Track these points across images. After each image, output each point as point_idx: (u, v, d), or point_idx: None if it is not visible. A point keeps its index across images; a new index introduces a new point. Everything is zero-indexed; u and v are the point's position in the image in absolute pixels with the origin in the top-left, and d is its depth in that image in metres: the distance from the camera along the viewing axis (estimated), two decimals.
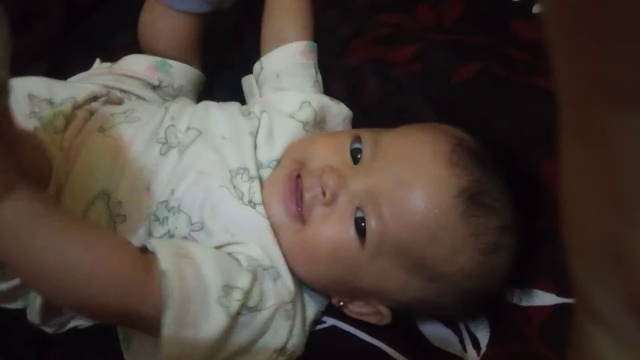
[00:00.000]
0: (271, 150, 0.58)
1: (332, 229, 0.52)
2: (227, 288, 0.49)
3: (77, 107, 0.59)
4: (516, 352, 0.55)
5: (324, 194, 0.53)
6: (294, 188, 0.54)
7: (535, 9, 0.78)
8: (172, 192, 0.55)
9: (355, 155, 0.55)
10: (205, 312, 0.48)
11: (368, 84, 0.76)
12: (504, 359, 0.55)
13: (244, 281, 0.50)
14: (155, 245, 0.50)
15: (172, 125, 0.58)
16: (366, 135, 0.56)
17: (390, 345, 0.55)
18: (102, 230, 0.52)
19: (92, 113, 0.59)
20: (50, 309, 0.54)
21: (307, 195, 0.53)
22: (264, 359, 0.52)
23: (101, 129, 0.57)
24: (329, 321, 0.57)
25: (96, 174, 0.55)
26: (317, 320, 0.57)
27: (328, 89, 0.70)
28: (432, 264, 0.51)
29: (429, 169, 0.52)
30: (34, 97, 0.58)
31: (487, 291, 0.54)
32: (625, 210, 0.22)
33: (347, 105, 0.67)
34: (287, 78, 0.66)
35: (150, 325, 0.48)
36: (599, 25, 0.19)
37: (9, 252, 0.44)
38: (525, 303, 0.57)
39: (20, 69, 0.72)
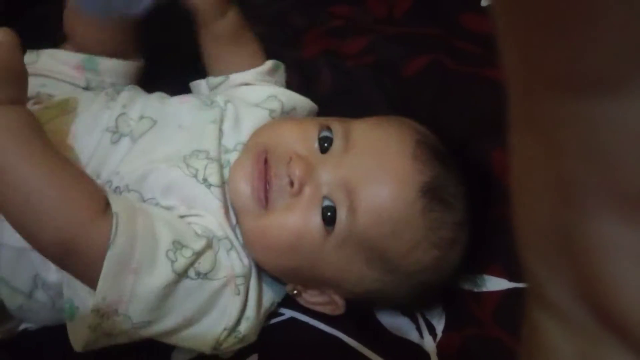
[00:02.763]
0: (238, 135, 0.58)
1: (297, 219, 0.52)
2: (178, 244, 0.49)
3: None
4: (470, 336, 0.57)
5: (291, 183, 0.52)
6: (263, 172, 0.53)
7: (484, 2, 0.80)
8: (117, 173, 0.54)
9: (323, 144, 0.54)
10: (150, 262, 0.48)
11: (321, 75, 0.76)
12: (458, 344, 0.57)
13: (196, 244, 0.49)
14: (111, 197, 0.50)
15: (124, 113, 0.57)
16: (336, 125, 0.55)
17: (350, 335, 0.56)
18: (70, 164, 0.51)
19: None
20: None
21: (274, 183, 0.53)
22: (214, 336, 0.51)
23: None
24: (288, 313, 0.58)
25: None
26: (274, 312, 0.57)
27: None
28: (392, 257, 0.52)
29: (397, 164, 0.52)
30: None
31: (441, 282, 0.55)
32: (572, 199, 0.23)
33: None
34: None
35: (91, 266, 0.47)
36: (544, 16, 0.20)
37: None
38: (478, 289, 0.59)
39: None
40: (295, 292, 0.56)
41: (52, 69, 0.64)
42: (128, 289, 0.47)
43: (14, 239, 0.49)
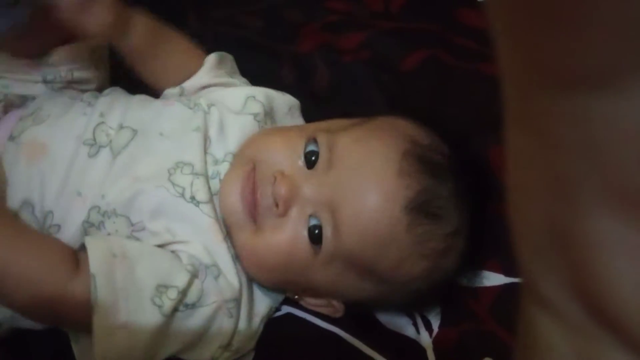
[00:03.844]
0: (225, 144, 0.57)
1: (285, 239, 0.52)
2: (161, 287, 0.49)
3: None
4: (466, 331, 0.57)
5: (276, 204, 0.51)
6: (252, 189, 0.52)
7: None
8: (103, 196, 0.53)
9: (310, 158, 0.53)
10: (138, 313, 0.48)
11: (318, 71, 0.76)
12: (455, 339, 0.57)
13: (180, 280, 0.49)
14: (89, 244, 0.49)
15: (102, 122, 0.55)
16: (322, 137, 0.54)
17: (346, 331, 0.56)
18: (26, 233, 0.51)
19: None
20: None
21: (261, 202, 0.52)
22: (209, 353, 0.52)
23: (11, 137, 0.55)
24: (285, 309, 0.58)
25: (13, 184, 0.53)
26: (270, 315, 0.57)
27: (278, 76, 0.70)
28: (381, 271, 0.52)
29: (380, 182, 0.51)
30: None
31: (436, 288, 0.55)
32: (567, 196, 0.23)
33: (298, 92, 0.66)
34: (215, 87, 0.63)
35: (82, 326, 0.48)
36: (539, 13, 0.20)
37: None
38: (474, 284, 0.59)
39: None
40: (296, 297, 0.57)
41: (6, 68, 0.60)
42: (125, 341, 0.48)
43: None
